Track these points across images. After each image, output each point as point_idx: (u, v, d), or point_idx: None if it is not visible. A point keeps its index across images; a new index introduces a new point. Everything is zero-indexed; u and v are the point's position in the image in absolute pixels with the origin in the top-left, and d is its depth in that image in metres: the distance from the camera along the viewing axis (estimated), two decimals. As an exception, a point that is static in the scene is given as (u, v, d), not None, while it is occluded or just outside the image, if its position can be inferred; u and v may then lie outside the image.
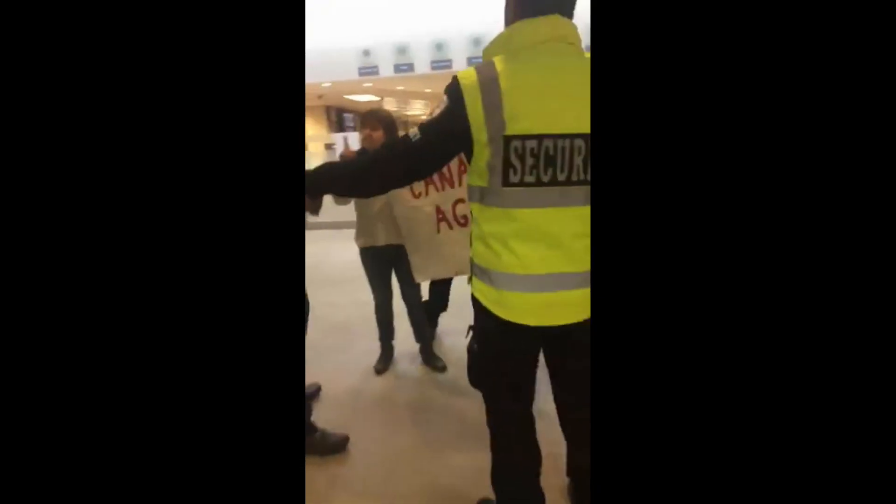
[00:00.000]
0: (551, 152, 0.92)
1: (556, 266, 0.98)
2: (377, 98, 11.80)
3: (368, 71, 6.54)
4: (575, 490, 1.39)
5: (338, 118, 16.44)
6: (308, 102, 8.75)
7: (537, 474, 1.23)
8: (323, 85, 7.07)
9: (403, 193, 1.91)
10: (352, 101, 12.78)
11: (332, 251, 4.13)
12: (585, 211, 0.97)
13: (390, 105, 9.49)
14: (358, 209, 2.24)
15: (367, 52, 6.44)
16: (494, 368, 1.14)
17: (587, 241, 0.98)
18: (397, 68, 6.50)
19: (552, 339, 1.07)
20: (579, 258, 0.99)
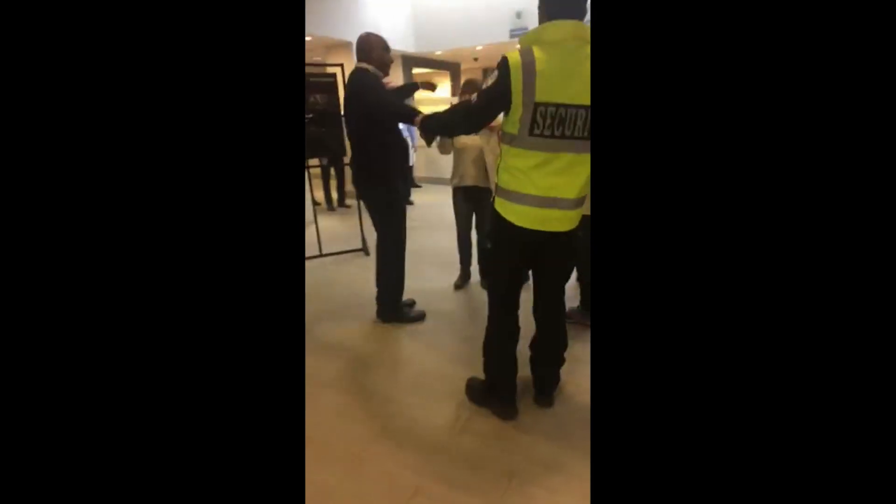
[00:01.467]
0: (563, 116, 1.38)
1: (559, 192, 1.47)
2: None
3: (520, 33, 6.55)
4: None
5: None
6: (465, 65, 8.97)
7: (514, 345, 1.78)
8: (477, 48, 7.21)
9: (493, 143, 2.52)
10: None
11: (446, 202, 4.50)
12: (583, 157, 1.44)
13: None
14: (455, 157, 2.74)
15: (519, 14, 6.44)
16: (500, 257, 1.67)
17: (584, 177, 1.47)
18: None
19: (543, 241, 1.55)
20: (577, 187, 1.48)
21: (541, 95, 1.35)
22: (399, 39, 6.84)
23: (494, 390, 1.82)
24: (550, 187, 1.45)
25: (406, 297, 2.72)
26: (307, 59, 5.77)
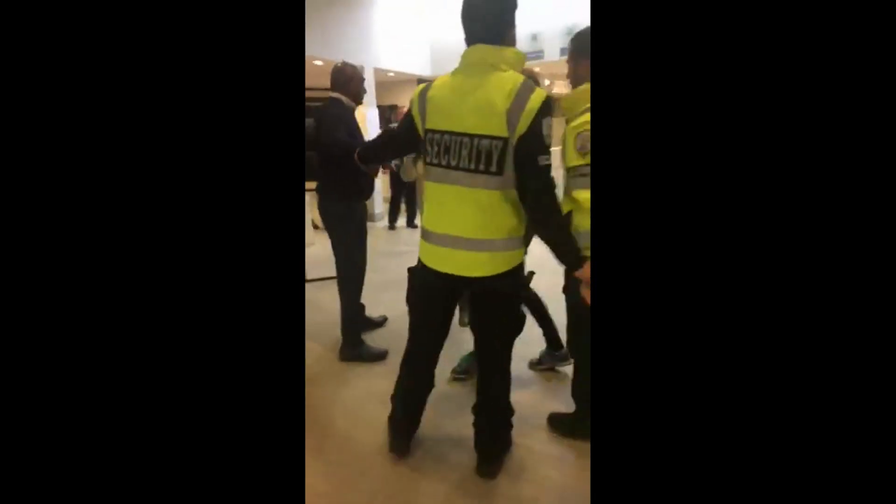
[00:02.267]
0: (448, 144, 1.30)
1: (455, 229, 1.34)
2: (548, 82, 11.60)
3: (534, 56, 6.44)
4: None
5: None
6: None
7: (414, 397, 1.68)
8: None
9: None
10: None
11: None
12: (478, 192, 1.29)
13: (560, 88, 9.24)
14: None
15: (534, 37, 6.34)
16: (414, 291, 1.65)
17: (479, 216, 1.30)
18: (563, 52, 6.35)
19: (459, 286, 1.44)
20: (474, 226, 1.32)
21: (430, 122, 1.34)
22: (415, 63, 6.79)
23: (392, 423, 1.74)
24: (447, 223, 1.35)
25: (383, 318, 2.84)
26: (321, 84, 5.73)
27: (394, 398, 1.71)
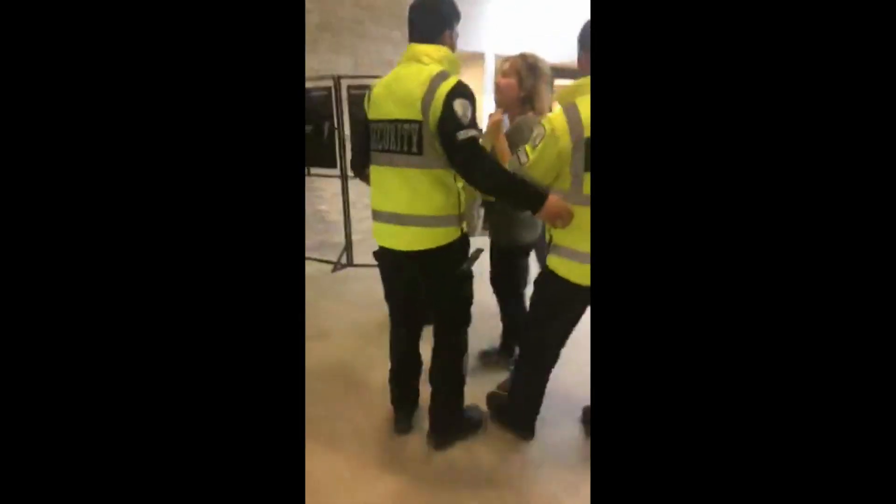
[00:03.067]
0: (382, 131, 1.48)
1: (390, 206, 1.51)
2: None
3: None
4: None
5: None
6: None
7: (403, 376, 1.81)
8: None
9: (502, 144, 2.10)
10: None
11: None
12: (407, 171, 1.45)
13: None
14: None
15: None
16: (380, 271, 1.72)
17: (410, 193, 1.46)
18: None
19: (405, 262, 1.56)
20: (401, 203, 1.48)
21: (371, 114, 1.54)
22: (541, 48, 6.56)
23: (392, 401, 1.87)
24: (387, 201, 1.51)
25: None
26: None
27: (389, 379, 1.83)
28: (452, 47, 1.50)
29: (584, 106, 1.33)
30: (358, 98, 3.38)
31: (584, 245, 1.40)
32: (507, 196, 1.46)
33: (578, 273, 1.44)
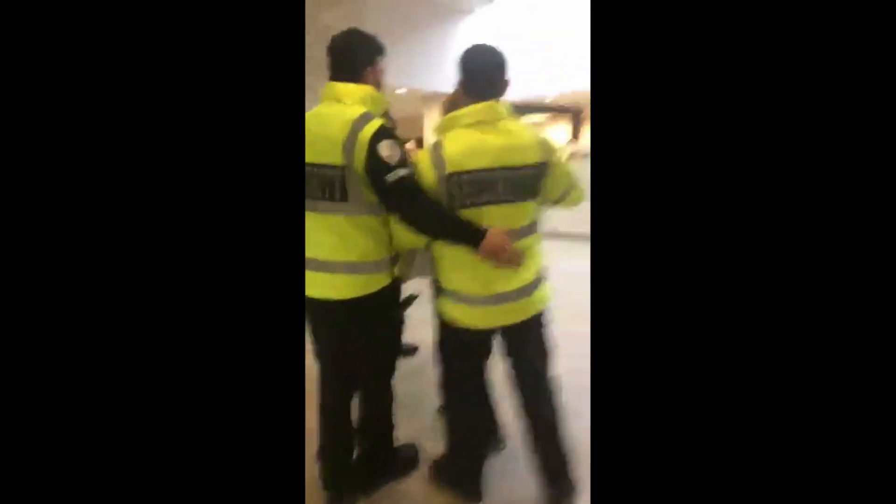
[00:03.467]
0: (308, 174, 1.36)
1: (315, 253, 1.39)
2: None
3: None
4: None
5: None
6: (588, 110, 8.19)
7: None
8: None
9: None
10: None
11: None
12: (331, 217, 1.37)
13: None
14: None
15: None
16: (309, 324, 1.55)
17: (335, 239, 1.37)
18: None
19: (323, 313, 1.46)
20: (330, 250, 1.38)
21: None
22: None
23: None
24: (311, 247, 1.42)
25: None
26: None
27: (317, 456, 1.63)
28: (377, 84, 1.42)
29: (451, 142, 1.32)
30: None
31: (471, 286, 1.36)
32: (446, 233, 1.35)
33: (469, 316, 1.40)
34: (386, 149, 1.29)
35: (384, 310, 1.48)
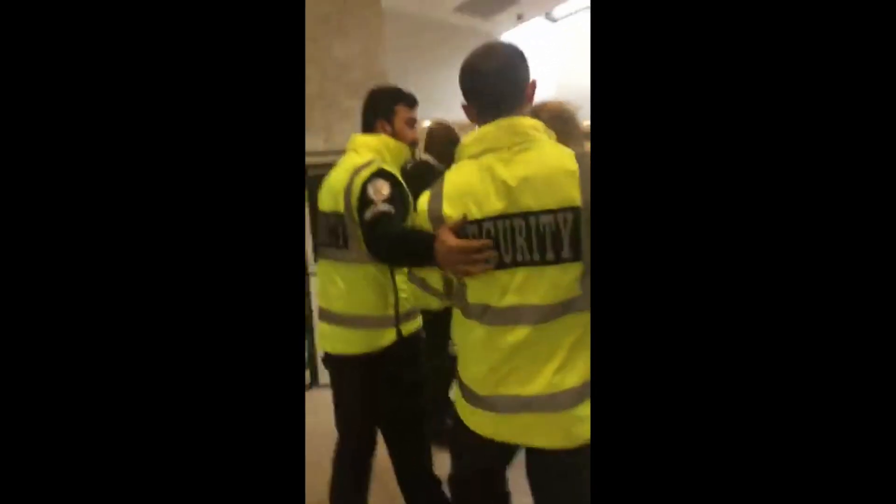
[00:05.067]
0: (320, 223, 1.48)
1: (327, 304, 1.45)
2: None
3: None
4: None
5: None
6: None
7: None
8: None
9: None
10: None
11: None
12: (338, 266, 1.42)
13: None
14: None
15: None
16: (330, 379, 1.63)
17: (340, 290, 1.40)
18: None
19: (348, 364, 1.45)
20: (337, 301, 1.41)
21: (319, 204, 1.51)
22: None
23: None
24: (322, 298, 1.46)
25: None
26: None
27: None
28: (394, 134, 1.47)
29: (451, 180, 1.00)
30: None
31: (479, 379, 0.96)
32: (411, 258, 1.14)
33: (476, 420, 1.00)
34: (372, 186, 1.27)
35: (396, 370, 1.41)
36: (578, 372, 0.87)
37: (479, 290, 0.94)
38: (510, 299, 0.90)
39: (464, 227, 0.94)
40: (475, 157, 0.97)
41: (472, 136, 1.00)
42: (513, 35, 5.84)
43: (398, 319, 1.39)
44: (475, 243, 0.91)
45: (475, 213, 0.93)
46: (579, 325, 0.88)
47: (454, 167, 1.03)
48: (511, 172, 0.91)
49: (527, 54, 1.01)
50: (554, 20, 6.73)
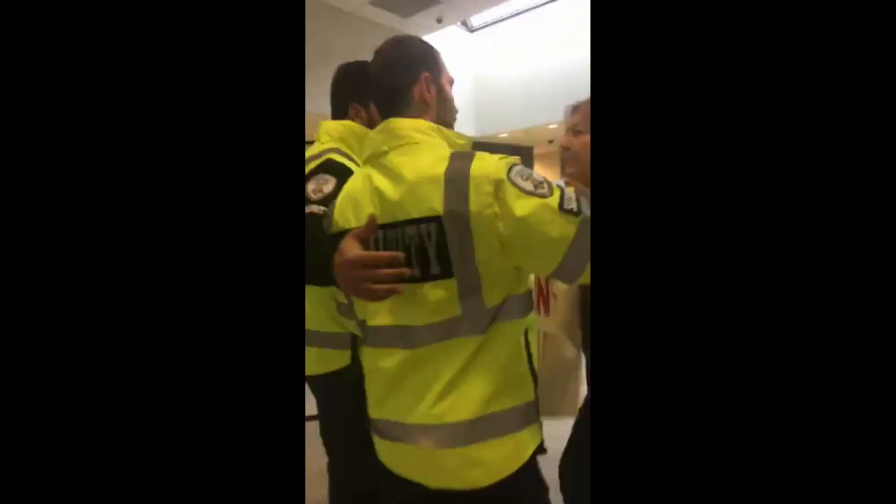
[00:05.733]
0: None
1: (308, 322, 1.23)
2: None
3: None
4: None
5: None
6: (539, 149, 7.71)
7: None
8: (551, 127, 5.93)
9: None
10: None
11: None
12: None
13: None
14: None
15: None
16: None
17: (309, 300, 1.16)
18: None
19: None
20: (307, 317, 1.20)
21: None
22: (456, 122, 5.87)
23: None
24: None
25: None
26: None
27: None
28: (369, 121, 1.22)
29: (350, 181, 0.94)
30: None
31: (371, 406, 0.91)
32: (316, 273, 0.88)
33: (385, 453, 0.89)
34: (314, 182, 1.11)
35: (345, 393, 1.20)
36: (469, 405, 0.78)
37: (360, 305, 0.87)
38: (383, 319, 0.84)
39: (370, 236, 0.81)
40: (367, 161, 0.91)
41: (366, 140, 0.95)
42: (432, 39, 5.67)
43: (354, 339, 1.21)
44: (382, 255, 0.76)
45: (353, 224, 0.86)
46: (467, 351, 0.79)
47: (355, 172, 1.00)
48: (383, 179, 0.83)
49: (431, 51, 0.94)
50: (471, 30, 6.69)
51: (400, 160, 0.82)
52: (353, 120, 1.25)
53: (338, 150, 1.18)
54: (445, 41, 5.96)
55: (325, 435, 1.37)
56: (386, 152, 0.84)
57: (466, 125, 5.95)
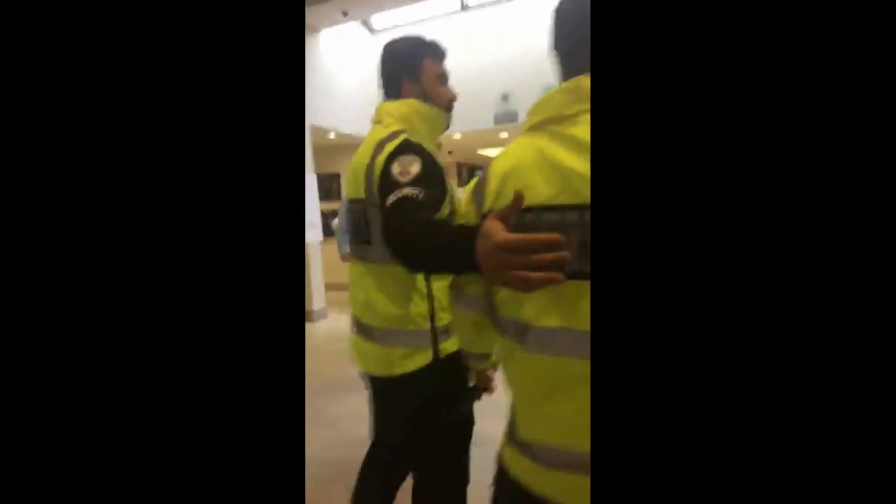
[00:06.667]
0: (350, 214, 1.28)
1: (356, 311, 1.24)
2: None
3: (506, 118, 5.40)
4: None
5: (469, 177, 14.75)
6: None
7: None
8: (454, 137, 6.07)
9: None
10: (486, 156, 11.77)
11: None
12: (361, 266, 1.21)
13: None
14: None
15: (505, 97, 5.32)
16: None
17: (365, 295, 1.18)
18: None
19: (374, 385, 1.33)
20: (361, 308, 1.21)
21: None
22: (347, 124, 5.70)
23: None
24: (352, 306, 1.34)
25: None
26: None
27: None
28: (425, 96, 1.19)
29: (500, 161, 0.80)
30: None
31: (556, 432, 0.75)
32: (439, 259, 0.82)
33: (538, 479, 0.78)
34: (398, 165, 1.03)
35: (428, 403, 1.16)
36: None
37: (512, 301, 0.75)
38: (550, 319, 0.73)
39: (521, 216, 0.70)
40: (534, 129, 0.84)
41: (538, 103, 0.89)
42: (335, 32, 5.45)
43: (435, 336, 1.16)
44: (538, 238, 0.60)
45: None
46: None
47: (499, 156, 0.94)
48: (562, 150, 0.73)
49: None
50: (372, 31, 6.57)
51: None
52: (408, 97, 1.20)
53: (400, 132, 1.12)
54: (349, 37, 5.80)
55: (404, 440, 1.29)
56: (572, 117, 0.70)
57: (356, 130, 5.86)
